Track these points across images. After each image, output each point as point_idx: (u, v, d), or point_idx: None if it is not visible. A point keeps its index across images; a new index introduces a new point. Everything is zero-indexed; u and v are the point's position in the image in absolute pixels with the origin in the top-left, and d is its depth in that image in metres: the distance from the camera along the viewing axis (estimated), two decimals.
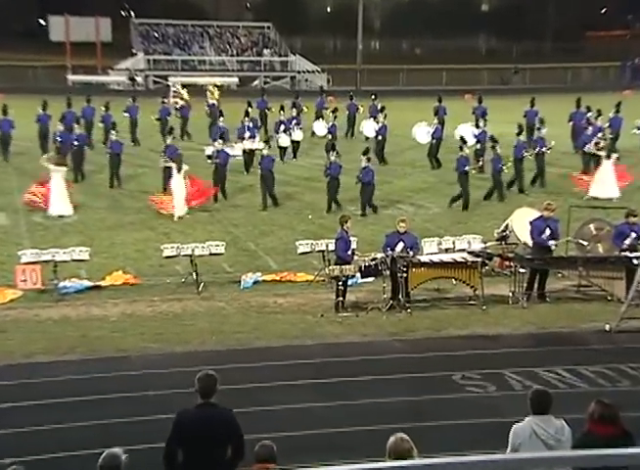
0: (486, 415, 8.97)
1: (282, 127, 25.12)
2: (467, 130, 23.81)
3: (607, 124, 24.85)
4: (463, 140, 20.81)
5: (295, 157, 25.32)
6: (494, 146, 19.97)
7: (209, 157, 21.83)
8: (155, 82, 49.70)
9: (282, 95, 37.46)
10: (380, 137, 24.94)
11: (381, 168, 24.29)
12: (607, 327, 11.73)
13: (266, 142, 20.46)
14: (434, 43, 74.00)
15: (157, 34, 53.63)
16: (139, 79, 48.72)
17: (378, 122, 25.52)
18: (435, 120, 24.56)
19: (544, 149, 21.32)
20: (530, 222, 13.30)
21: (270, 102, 30.47)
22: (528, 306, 12.79)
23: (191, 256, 13.61)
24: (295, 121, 25.89)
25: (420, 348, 11.20)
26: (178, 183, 18.37)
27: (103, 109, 27.06)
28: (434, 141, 24.15)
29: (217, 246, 13.97)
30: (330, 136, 25.17)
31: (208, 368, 10.27)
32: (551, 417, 6.09)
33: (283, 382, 9.94)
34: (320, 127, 26.97)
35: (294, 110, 26.95)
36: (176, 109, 30.18)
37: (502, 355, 10.91)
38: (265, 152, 19.70)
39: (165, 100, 29.58)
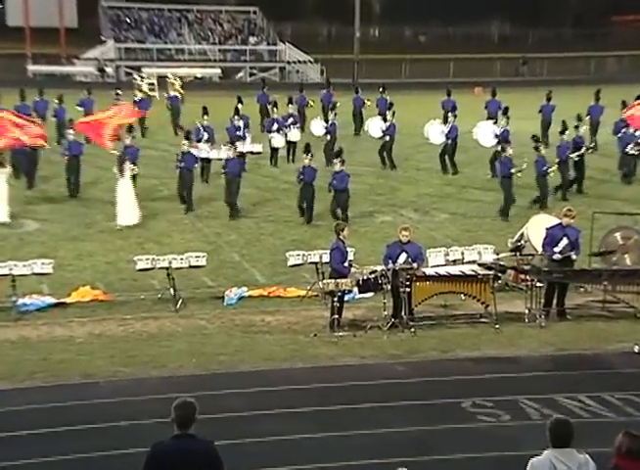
0: (500, 448, 8.96)
1: (275, 126, 24.71)
2: (487, 129, 23.54)
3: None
4: (505, 139, 20.63)
5: (292, 160, 24.69)
6: (538, 146, 19.74)
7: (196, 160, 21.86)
8: (127, 74, 49.76)
9: (270, 88, 37.45)
10: (387, 138, 24.60)
11: (381, 172, 24.40)
12: (636, 348, 11.75)
13: (232, 144, 19.98)
14: (441, 30, 74.37)
15: (129, 20, 53.71)
16: (109, 70, 48.76)
17: (385, 121, 25.20)
18: (451, 118, 24.11)
19: (583, 149, 21.28)
20: (547, 229, 13.35)
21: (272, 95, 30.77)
22: (547, 325, 12.80)
23: (168, 268, 13.59)
24: (291, 119, 25.41)
25: (425, 372, 11.19)
26: (123, 189, 18.32)
27: (56, 102, 26.97)
28: (450, 141, 23.86)
29: (198, 257, 13.96)
30: (329, 136, 24.78)
31: (187, 395, 10.29)
32: (573, 451, 6.08)
33: (271, 410, 9.91)
34: (318, 126, 26.37)
35: (290, 106, 26.44)
36: (135, 102, 29.98)
37: (517, 380, 10.91)
38: (231, 154, 19.48)
39: (119, 92, 29.40)
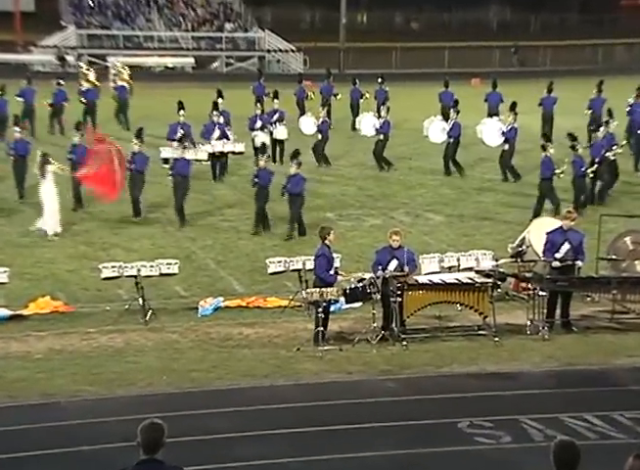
0: None
1: (258, 123, 24.19)
2: (493, 127, 23.23)
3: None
4: (547, 138, 20.41)
5: (279, 160, 24.05)
6: (574, 145, 19.44)
7: (166, 161, 21.15)
8: (90, 63, 49.56)
9: (249, 79, 37.38)
10: (382, 136, 24.20)
11: (372, 173, 24.45)
12: None
13: (180, 140, 19.58)
14: (435, 16, 74.59)
15: (91, 3, 53.52)
16: (70, 59, 48.57)
17: (379, 117, 24.85)
18: (453, 114, 23.75)
19: (615, 148, 21.33)
20: (547, 234, 13.44)
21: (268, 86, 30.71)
22: (551, 338, 12.88)
23: (136, 277, 13.57)
24: (276, 115, 24.74)
25: (418, 389, 11.23)
26: (47, 192, 17.89)
27: None
28: (452, 140, 23.53)
29: (169, 264, 13.94)
30: (320, 135, 24.26)
31: (157, 416, 10.28)
32: None
33: (250, 432, 9.91)
34: (308, 124, 25.80)
35: (275, 100, 25.53)
36: (82, 92, 29.88)
37: (519, 398, 10.97)
38: (179, 154, 19.10)
39: (62, 81, 29.23)
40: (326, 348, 12.36)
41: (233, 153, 22.88)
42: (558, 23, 71.06)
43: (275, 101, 25.43)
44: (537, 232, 14.30)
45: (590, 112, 26.82)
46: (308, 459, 9.34)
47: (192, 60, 50.36)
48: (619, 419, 10.30)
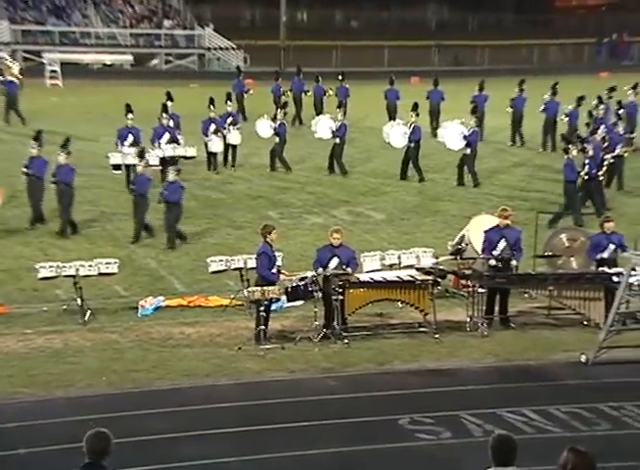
0: (440, 467, 9.13)
1: (212, 127, 23.20)
2: (454, 131, 22.56)
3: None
4: (567, 140, 19.91)
5: (233, 166, 23.95)
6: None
7: (116, 167, 20.70)
8: (25, 59, 48.80)
9: (188, 77, 37.24)
10: (338, 140, 23.43)
11: (316, 170, 24.48)
12: (583, 358, 12.06)
13: (141, 154, 18.42)
14: (374, 15, 74.89)
15: None
16: (4, 55, 47.77)
17: (335, 120, 23.96)
18: (413, 118, 23.14)
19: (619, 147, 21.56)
20: (484, 232, 13.64)
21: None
22: (490, 334, 13.04)
23: (74, 276, 13.42)
24: (230, 119, 23.96)
25: (359, 386, 11.29)
26: None
27: None
28: (413, 144, 22.96)
29: (108, 264, 13.81)
30: (277, 138, 23.61)
31: (97, 417, 10.20)
32: (516, 469, 6.22)
33: (191, 432, 9.87)
34: (265, 127, 24.59)
35: (229, 102, 24.72)
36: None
37: (458, 394, 11.09)
38: (62, 160, 17.78)
39: None
40: (268, 346, 12.36)
41: (185, 157, 21.83)
42: (495, 24, 71.89)
43: (228, 103, 24.65)
44: (476, 230, 14.47)
45: (512, 110, 27.70)
46: (250, 458, 9.34)
47: (130, 57, 49.88)
48: (556, 413, 10.49)
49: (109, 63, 49.59)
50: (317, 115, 29.11)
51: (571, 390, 11.33)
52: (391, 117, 30.22)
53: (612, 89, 27.38)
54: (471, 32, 68.28)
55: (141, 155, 18.37)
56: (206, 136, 23.15)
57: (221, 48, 51.74)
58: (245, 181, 22.86)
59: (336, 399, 10.92)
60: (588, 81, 29.61)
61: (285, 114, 24.44)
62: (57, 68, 43.13)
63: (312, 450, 9.48)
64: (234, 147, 23.90)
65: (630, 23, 60.02)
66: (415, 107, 23.50)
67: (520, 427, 10.02)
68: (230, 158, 23.99)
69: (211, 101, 23.49)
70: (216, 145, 23.30)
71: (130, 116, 21.62)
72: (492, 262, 13.36)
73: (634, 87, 27.95)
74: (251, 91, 32.01)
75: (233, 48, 51.51)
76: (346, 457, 9.40)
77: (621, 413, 10.53)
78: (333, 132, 23.56)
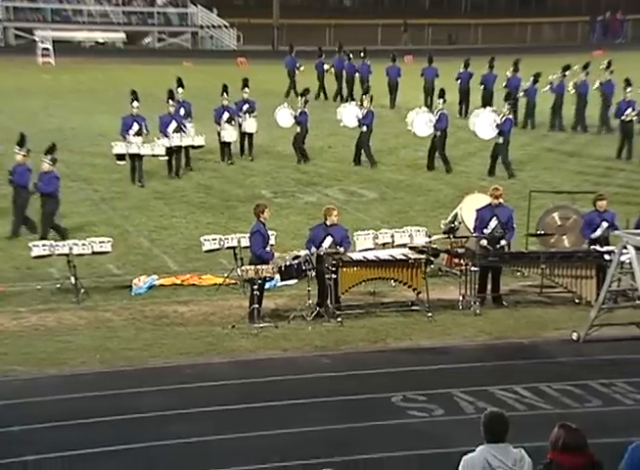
0: (432, 444, 9.15)
1: (225, 116, 21.98)
2: (487, 119, 21.23)
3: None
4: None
5: (250, 154, 22.81)
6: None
7: (120, 157, 19.88)
8: (17, 36, 48.49)
9: (181, 56, 37.07)
10: (365, 128, 22.09)
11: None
12: (574, 336, 12.10)
13: (20, 143, 16.48)
14: None
15: None
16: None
17: (362, 107, 22.54)
18: (441, 105, 21.81)
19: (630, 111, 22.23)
20: (476, 211, 13.64)
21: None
22: (482, 312, 13.07)
23: (68, 255, 13.39)
24: (246, 106, 22.50)
25: (352, 364, 11.30)
26: None
27: None
28: (439, 132, 21.62)
29: (102, 242, 13.77)
30: (299, 128, 22.40)
31: (91, 395, 10.23)
32: (508, 446, 6.25)
33: (184, 410, 9.87)
34: (285, 116, 23.27)
35: (245, 89, 22.86)
36: None
37: (451, 372, 11.12)
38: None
39: None
40: (261, 325, 12.37)
41: (192, 147, 21.06)
42: (488, 2, 71.67)
43: (245, 90, 22.86)
44: (469, 209, 14.46)
45: (506, 88, 27.60)
46: (244, 435, 9.35)
47: (123, 35, 49.63)
48: (547, 390, 10.52)
49: (101, 41, 49.34)
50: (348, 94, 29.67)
51: (562, 367, 11.37)
52: (393, 93, 30.51)
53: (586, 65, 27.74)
54: (464, 11, 68.00)
55: (21, 143, 16.58)
56: (219, 125, 22.01)
57: (214, 26, 51.45)
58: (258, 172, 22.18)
59: (329, 377, 10.94)
60: (582, 59, 29.54)
61: (306, 102, 22.62)
62: (49, 45, 42.90)
63: (306, 428, 9.51)
64: (250, 135, 22.76)
65: (623, 2, 59.92)
66: (442, 93, 22.40)
67: (511, 404, 10.06)
68: (247, 146, 22.91)
69: (225, 88, 22.17)
70: (230, 134, 22.16)
71: (135, 104, 20.18)
72: (483, 243, 13.36)
73: (607, 66, 27.94)
74: (302, 68, 32.28)
75: (226, 26, 51.23)
76: (340, 434, 9.42)
77: (612, 390, 10.58)
78: (359, 120, 22.18)
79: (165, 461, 8.67)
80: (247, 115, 22.41)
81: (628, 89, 23.69)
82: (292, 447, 9.04)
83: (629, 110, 22.92)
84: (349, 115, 23.39)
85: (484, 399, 10.09)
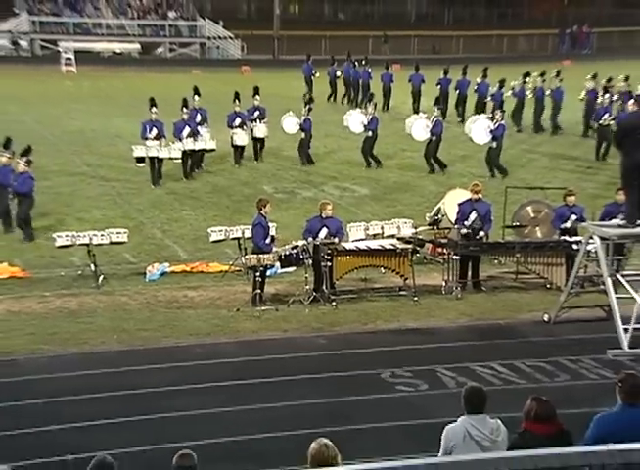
0: (417, 416, 9.14)
1: (237, 121, 21.62)
2: (481, 125, 21.01)
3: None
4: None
5: (257, 158, 22.26)
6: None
7: (140, 160, 19.37)
8: (42, 47, 48.32)
9: (191, 64, 36.88)
10: (370, 133, 21.60)
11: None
12: (545, 317, 12.10)
13: (6, 145, 16.13)
14: (360, 8, 74.32)
15: None
16: (23, 44, 47.30)
17: (366, 114, 22.14)
18: (437, 112, 21.55)
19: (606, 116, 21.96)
20: (458, 205, 13.62)
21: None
22: (463, 297, 13.07)
23: (88, 245, 13.35)
24: (257, 113, 22.06)
25: (346, 343, 11.30)
26: None
27: None
28: (434, 138, 21.27)
29: (119, 233, 13.74)
30: (303, 134, 21.90)
31: (109, 371, 10.21)
32: (486, 417, 6.25)
33: (194, 385, 9.87)
34: (290, 123, 22.70)
35: (257, 97, 22.37)
36: None
37: (435, 350, 11.12)
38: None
39: None
40: (263, 308, 12.35)
41: (205, 150, 20.54)
42: (468, 16, 71.46)
43: (256, 97, 22.29)
44: (451, 203, 14.45)
45: (476, 93, 28.23)
46: (247, 408, 9.34)
47: (138, 45, 49.42)
48: (521, 367, 10.52)
49: (118, 51, 49.13)
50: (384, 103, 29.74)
51: (534, 346, 11.37)
52: (386, 97, 30.54)
53: (526, 75, 27.73)
54: (447, 24, 67.83)
55: (6, 146, 16.14)
56: (232, 129, 21.58)
57: (220, 37, 51.27)
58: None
59: (325, 356, 10.92)
60: (552, 68, 29.53)
61: (310, 110, 21.94)
62: (71, 55, 42.78)
63: (304, 401, 9.50)
64: (261, 140, 22.23)
65: (589, 16, 59.84)
66: (437, 101, 22.34)
67: (489, 379, 10.06)
68: (259, 150, 22.35)
69: (236, 95, 21.56)
70: (241, 138, 21.68)
71: (154, 109, 19.64)
72: (463, 231, 13.36)
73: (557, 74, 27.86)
74: (317, 74, 32.64)
75: (231, 37, 51.05)
76: (334, 407, 9.42)
77: (579, 366, 10.59)
78: (365, 126, 21.74)
79: (176, 431, 8.65)
80: (258, 121, 22.01)
81: (606, 96, 23.66)
82: (291, 419, 9.03)
83: (606, 115, 22.84)
84: (355, 121, 22.99)
85: (465, 375, 10.09)
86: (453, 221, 13.79)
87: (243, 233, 13.76)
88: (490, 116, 21.65)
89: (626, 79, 26.26)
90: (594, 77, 26.90)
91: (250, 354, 10.87)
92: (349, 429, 8.71)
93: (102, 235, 13.53)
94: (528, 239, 14.06)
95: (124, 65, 44.73)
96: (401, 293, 13.14)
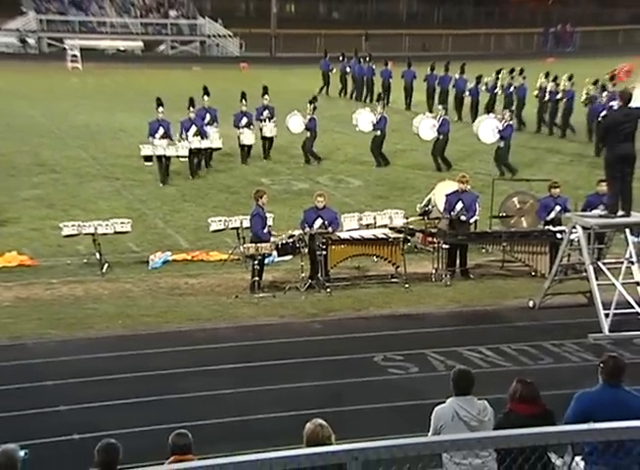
0: (408, 397, 9.17)
1: (244, 120, 20.88)
2: (489, 125, 20.27)
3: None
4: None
5: (265, 157, 21.57)
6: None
7: (147, 159, 18.78)
8: (49, 45, 48.12)
9: (192, 61, 36.76)
10: (379, 132, 21.18)
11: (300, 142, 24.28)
12: (530, 303, 12.13)
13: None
14: (353, 7, 74.12)
15: None
16: (31, 41, 47.10)
17: (375, 113, 21.57)
18: (442, 110, 21.11)
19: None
20: (446, 195, 13.64)
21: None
22: (452, 284, 13.08)
23: (93, 234, 13.32)
24: (266, 112, 21.33)
25: (340, 329, 11.31)
26: None
27: None
28: (441, 136, 20.74)
29: (123, 223, 13.71)
30: (308, 133, 21.25)
31: (114, 355, 10.22)
32: (473, 398, 6.27)
33: (195, 368, 9.88)
34: (296, 123, 21.78)
35: (266, 97, 21.55)
36: None
37: (425, 335, 11.14)
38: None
39: None
40: (261, 295, 12.35)
41: (210, 149, 19.94)
42: (457, 15, 71.32)
43: (265, 97, 21.52)
44: (440, 194, 14.45)
45: (454, 88, 28.46)
46: (247, 390, 9.35)
47: (141, 43, 49.28)
48: (507, 350, 10.55)
49: (122, 48, 48.98)
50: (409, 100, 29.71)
51: (520, 330, 11.39)
52: (387, 94, 30.53)
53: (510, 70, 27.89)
54: (436, 23, 67.70)
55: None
56: (238, 129, 20.86)
57: (220, 36, 51.10)
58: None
59: (320, 340, 10.94)
60: (536, 65, 29.57)
61: (315, 108, 21.24)
62: (77, 52, 42.61)
63: (300, 383, 9.51)
64: (270, 139, 21.53)
65: (573, 16, 59.76)
66: (443, 100, 22.58)
67: (477, 362, 10.09)
68: (267, 149, 21.67)
69: (243, 95, 20.82)
70: (248, 137, 20.95)
71: (161, 109, 19.02)
72: (448, 216, 13.38)
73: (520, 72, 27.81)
74: (335, 70, 33.04)
75: (230, 36, 50.90)
76: (330, 389, 9.43)
77: (562, 350, 10.63)
78: (374, 125, 21.20)
79: (178, 412, 8.66)
80: (266, 120, 21.34)
81: (604, 93, 23.61)
82: (287, 400, 9.05)
83: (604, 112, 22.79)
84: (364, 120, 22.30)
85: (453, 359, 10.11)
86: (442, 212, 13.79)
87: (241, 223, 13.73)
88: (497, 115, 21.13)
89: (570, 78, 26.11)
90: (547, 75, 26.99)
91: (248, 339, 10.87)
92: (344, 410, 8.72)
93: (106, 225, 13.50)
94: (514, 229, 14.07)
95: (128, 62, 44.59)
96: (393, 280, 13.14)
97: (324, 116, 25.39)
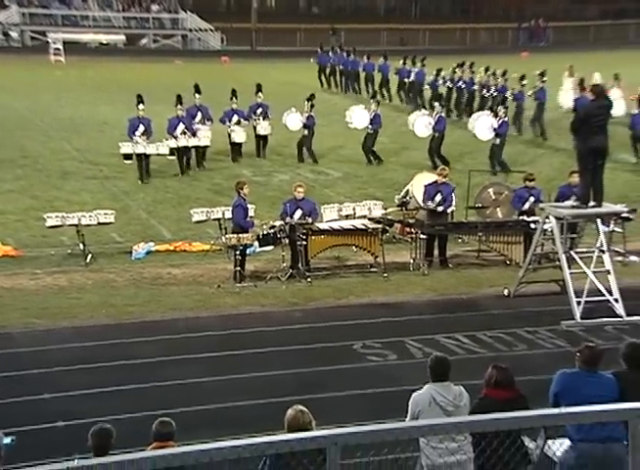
0: (386, 384, 9.20)
1: (235, 118, 20.10)
2: (484, 122, 19.79)
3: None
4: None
5: (259, 155, 20.79)
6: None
7: (127, 157, 18.19)
8: (32, 38, 47.58)
9: (173, 55, 36.50)
10: (372, 130, 20.52)
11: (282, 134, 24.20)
12: (505, 292, 12.19)
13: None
14: (332, 2, 73.93)
15: None
16: (14, 35, 46.56)
17: (369, 110, 20.91)
18: (438, 108, 20.56)
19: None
20: (424, 186, 13.68)
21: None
22: (429, 273, 13.11)
23: (77, 225, 13.23)
24: (260, 110, 20.53)
25: (320, 317, 11.33)
26: None
27: None
28: (437, 134, 20.12)
29: (106, 214, 13.63)
30: (306, 131, 20.38)
31: (97, 344, 10.16)
32: (450, 384, 6.30)
33: (177, 356, 9.87)
34: (294, 120, 20.81)
35: (259, 94, 20.78)
36: None
37: (403, 323, 11.17)
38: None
39: None
40: (243, 284, 12.33)
41: (198, 147, 19.17)
42: (434, 10, 71.34)
43: (259, 95, 20.69)
44: (418, 185, 14.47)
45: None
46: (228, 378, 9.35)
47: (123, 37, 48.84)
48: (483, 338, 10.62)
49: (104, 42, 48.53)
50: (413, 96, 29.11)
51: (495, 318, 11.45)
52: (386, 87, 30.43)
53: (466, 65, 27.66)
54: (414, 17, 67.69)
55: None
56: (229, 126, 20.11)
57: (201, 29, 50.78)
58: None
59: (301, 329, 10.94)
60: (511, 59, 29.66)
61: (312, 106, 20.36)
62: (60, 46, 42.17)
63: (281, 371, 9.52)
64: (264, 137, 20.82)
65: (545, 11, 60.00)
66: (439, 97, 22.33)
67: (453, 349, 10.14)
68: (261, 148, 20.98)
69: (234, 93, 20.17)
70: (239, 135, 20.20)
71: (141, 106, 18.31)
72: (430, 205, 13.47)
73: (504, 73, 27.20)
74: (341, 66, 32.78)
75: (211, 30, 50.59)
76: (310, 376, 9.45)
77: (535, 337, 10.70)
78: (370, 121, 20.56)
79: (160, 399, 8.64)
80: (260, 118, 20.50)
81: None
82: (268, 387, 9.04)
83: (572, 104, 22.85)
84: (358, 117, 21.50)
85: (431, 346, 10.15)
86: (420, 202, 13.82)
87: (223, 214, 13.69)
88: (491, 113, 20.55)
89: (503, 74, 26.07)
90: (471, 66, 27.22)
91: (230, 328, 10.86)
92: (324, 396, 8.74)
93: (90, 216, 13.41)
94: (490, 219, 14.13)
95: (110, 55, 44.19)
96: (372, 270, 13.16)
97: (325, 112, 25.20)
